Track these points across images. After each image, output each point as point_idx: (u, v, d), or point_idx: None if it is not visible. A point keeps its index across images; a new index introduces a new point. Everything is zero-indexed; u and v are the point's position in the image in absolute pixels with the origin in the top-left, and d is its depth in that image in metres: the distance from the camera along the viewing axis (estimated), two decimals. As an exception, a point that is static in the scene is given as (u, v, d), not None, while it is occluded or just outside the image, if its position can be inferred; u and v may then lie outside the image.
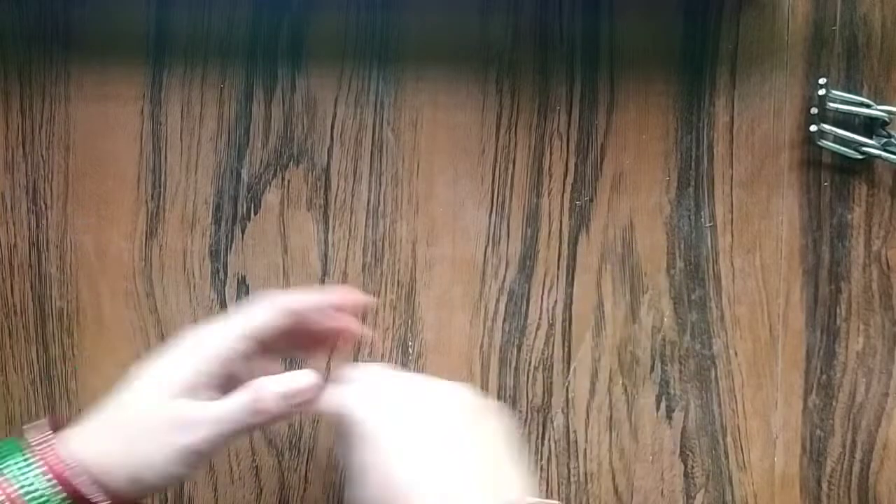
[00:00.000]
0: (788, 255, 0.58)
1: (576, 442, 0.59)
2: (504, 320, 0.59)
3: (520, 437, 0.48)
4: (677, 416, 0.58)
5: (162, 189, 0.60)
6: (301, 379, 0.45)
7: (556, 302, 0.59)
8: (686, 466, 0.58)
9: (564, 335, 0.59)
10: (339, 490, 0.60)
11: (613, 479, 0.59)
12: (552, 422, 0.59)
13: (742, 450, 0.58)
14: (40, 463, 0.43)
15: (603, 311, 0.59)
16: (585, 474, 0.59)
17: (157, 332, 0.58)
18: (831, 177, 0.58)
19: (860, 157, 0.57)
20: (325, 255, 0.59)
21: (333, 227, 0.59)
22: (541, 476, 0.59)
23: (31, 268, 0.60)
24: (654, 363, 0.58)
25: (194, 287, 0.60)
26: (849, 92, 0.57)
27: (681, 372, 0.58)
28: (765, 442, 0.58)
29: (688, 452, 0.58)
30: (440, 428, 0.44)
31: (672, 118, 0.58)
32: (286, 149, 0.59)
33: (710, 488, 0.58)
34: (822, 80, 0.56)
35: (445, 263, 0.59)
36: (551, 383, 0.59)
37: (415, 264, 0.59)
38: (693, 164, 0.58)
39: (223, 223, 0.60)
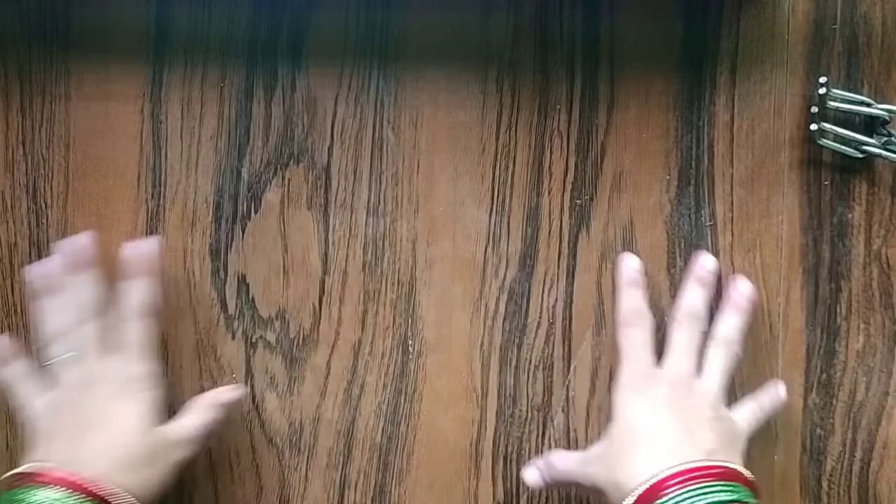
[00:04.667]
0: (788, 254, 0.58)
1: (576, 441, 0.59)
2: (504, 319, 0.59)
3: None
4: (677, 414, 0.58)
5: (162, 188, 0.60)
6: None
7: (556, 300, 0.59)
8: (686, 465, 0.58)
9: (565, 334, 0.59)
10: (339, 489, 0.60)
11: (614, 477, 0.58)
12: (552, 421, 0.59)
13: (742, 449, 0.58)
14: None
15: (603, 310, 0.59)
16: (586, 473, 0.59)
17: (157, 331, 0.58)
18: (832, 176, 0.58)
19: (860, 155, 0.57)
20: (326, 254, 0.59)
21: (334, 226, 0.59)
22: (541, 475, 0.59)
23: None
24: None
25: (194, 286, 0.60)
26: (849, 91, 0.57)
27: (681, 371, 0.58)
28: (765, 441, 0.58)
29: (688, 451, 0.58)
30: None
31: (672, 117, 0.58)
32: (286, 147, 0.59)
33: (710, 487, 0.58)
34: (822, 79, 0.56)
35: (446, 262, 0.59)
36: (551, 382, 0.59)
37: (415, 263, 0.59)
38: (693, 162, 0.58)
39: (223, 222, 0.60)
